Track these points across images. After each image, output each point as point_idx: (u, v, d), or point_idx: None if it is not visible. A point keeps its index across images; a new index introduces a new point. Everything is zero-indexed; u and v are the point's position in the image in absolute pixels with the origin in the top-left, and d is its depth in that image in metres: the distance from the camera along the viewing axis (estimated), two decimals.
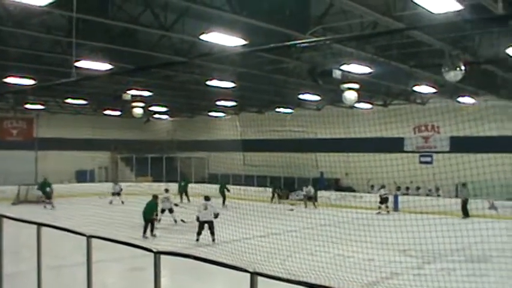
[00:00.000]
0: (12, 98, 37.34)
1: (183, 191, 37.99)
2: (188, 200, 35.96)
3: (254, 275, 5.64)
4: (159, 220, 24.15)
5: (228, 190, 35.80)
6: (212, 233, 20.83)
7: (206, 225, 20.88)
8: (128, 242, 7.75)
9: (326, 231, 18.73)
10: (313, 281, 5.64)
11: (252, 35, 16.03)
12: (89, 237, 7.84)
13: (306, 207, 34.63)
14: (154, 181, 43.01)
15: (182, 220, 23.56)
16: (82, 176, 46.88)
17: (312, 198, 35.74)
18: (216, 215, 21.11)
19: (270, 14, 15.52)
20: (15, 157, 41.83)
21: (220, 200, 33.55)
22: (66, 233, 8.80)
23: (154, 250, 6.75)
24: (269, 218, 22.24)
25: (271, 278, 5.76)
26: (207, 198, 21.63)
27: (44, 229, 9.07)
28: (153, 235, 22.23)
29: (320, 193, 37.47)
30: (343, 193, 37.60)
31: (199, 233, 20.80)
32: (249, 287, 5.65)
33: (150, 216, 22.42)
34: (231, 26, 15.79)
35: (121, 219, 21.04)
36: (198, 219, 20.95)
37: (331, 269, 13.75)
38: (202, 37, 16.11)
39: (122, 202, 34.93)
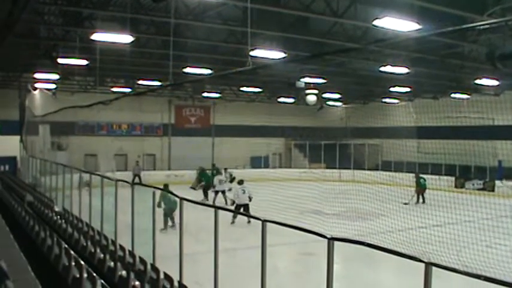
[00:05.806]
0: (190, 87, 39.16)
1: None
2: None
3: (429, 265, 5.51)
4: None
5: None
6: None
7: None
8: (302, 228, 7.82)
9: (506, 223, 17.84)
10: (492, 276, 5.33)
11: (426, 18, 15.59)
12: (264, 221, 8.03)
13: None
14: (327, 168, 43.03)
15: None
16: (256, 162, 48.06)
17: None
18: None
19: None
20: (193, 143, 43.89)
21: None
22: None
23: (328, 236, 6.77)
24: (445, 208, 21.57)
25: (447, 270, 5.58)
26: None
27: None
28: None
29: (499, 183, 35.83)
30: None
31: None
32: (421, 277, 5.54)
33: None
34: (405, 10, 15.47)
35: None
36: None
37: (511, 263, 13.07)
38: (376, 23, 15.91)
39: None
